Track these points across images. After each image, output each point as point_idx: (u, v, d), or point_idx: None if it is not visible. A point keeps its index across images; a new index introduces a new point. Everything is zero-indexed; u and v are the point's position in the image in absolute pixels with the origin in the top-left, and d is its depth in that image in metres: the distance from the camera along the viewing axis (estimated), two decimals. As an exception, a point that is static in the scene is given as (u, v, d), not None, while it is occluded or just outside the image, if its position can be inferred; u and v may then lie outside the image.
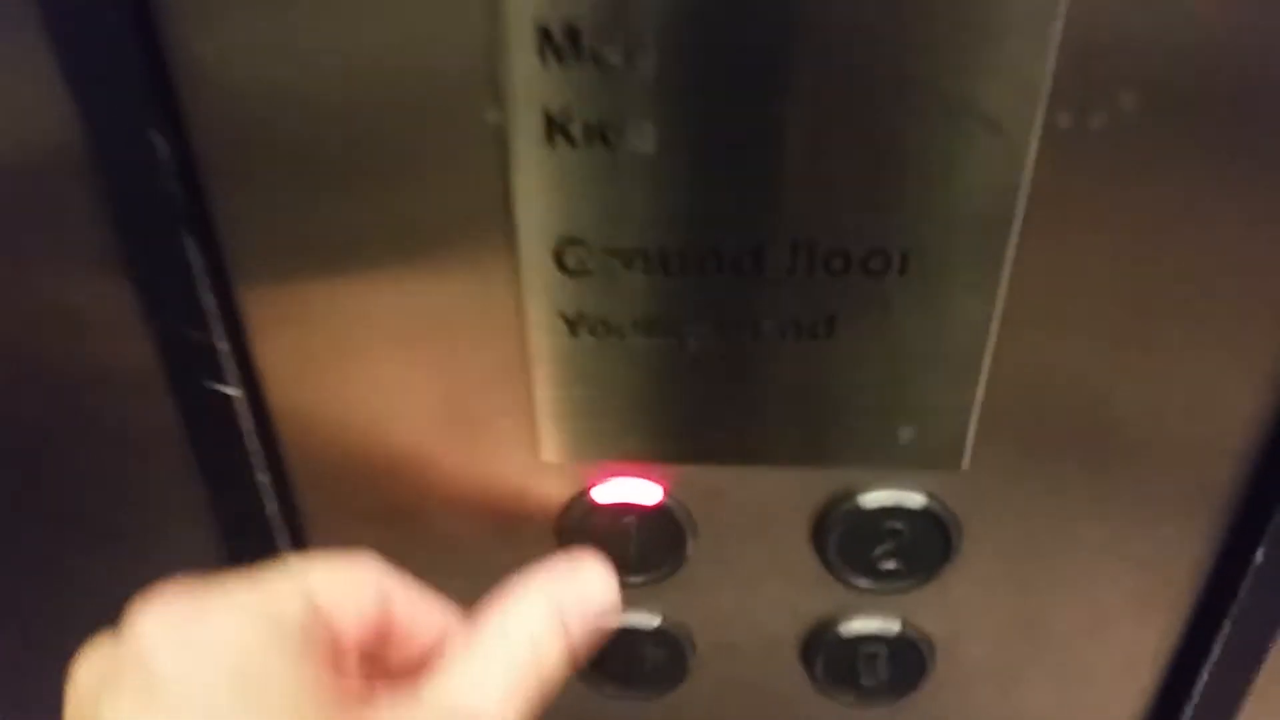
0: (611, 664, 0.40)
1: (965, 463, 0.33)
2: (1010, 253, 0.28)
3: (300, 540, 0.37)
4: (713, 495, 0.35)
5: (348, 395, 0.33)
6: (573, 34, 0.25)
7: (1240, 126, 0.27)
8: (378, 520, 0.36)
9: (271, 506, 0.35)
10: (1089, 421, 0.32)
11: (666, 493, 0.35)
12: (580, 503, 0.35)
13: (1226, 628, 0.36)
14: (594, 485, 0.35)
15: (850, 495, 0.34)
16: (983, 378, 0.31)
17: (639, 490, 0.35)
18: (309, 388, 0.33)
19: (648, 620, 0.39)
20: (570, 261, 0.29)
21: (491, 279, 0.30)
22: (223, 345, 0.31)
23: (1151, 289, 0.30)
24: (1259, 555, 0.33)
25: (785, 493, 0.35)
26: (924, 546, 0.35)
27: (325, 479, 0.35)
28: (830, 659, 0.39)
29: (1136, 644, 0.38)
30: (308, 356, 0.32)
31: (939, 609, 0.37)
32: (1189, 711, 0.38)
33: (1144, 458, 0.33)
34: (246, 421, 0.33)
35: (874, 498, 0.34)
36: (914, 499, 0.34)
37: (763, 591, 0.38)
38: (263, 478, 0.34)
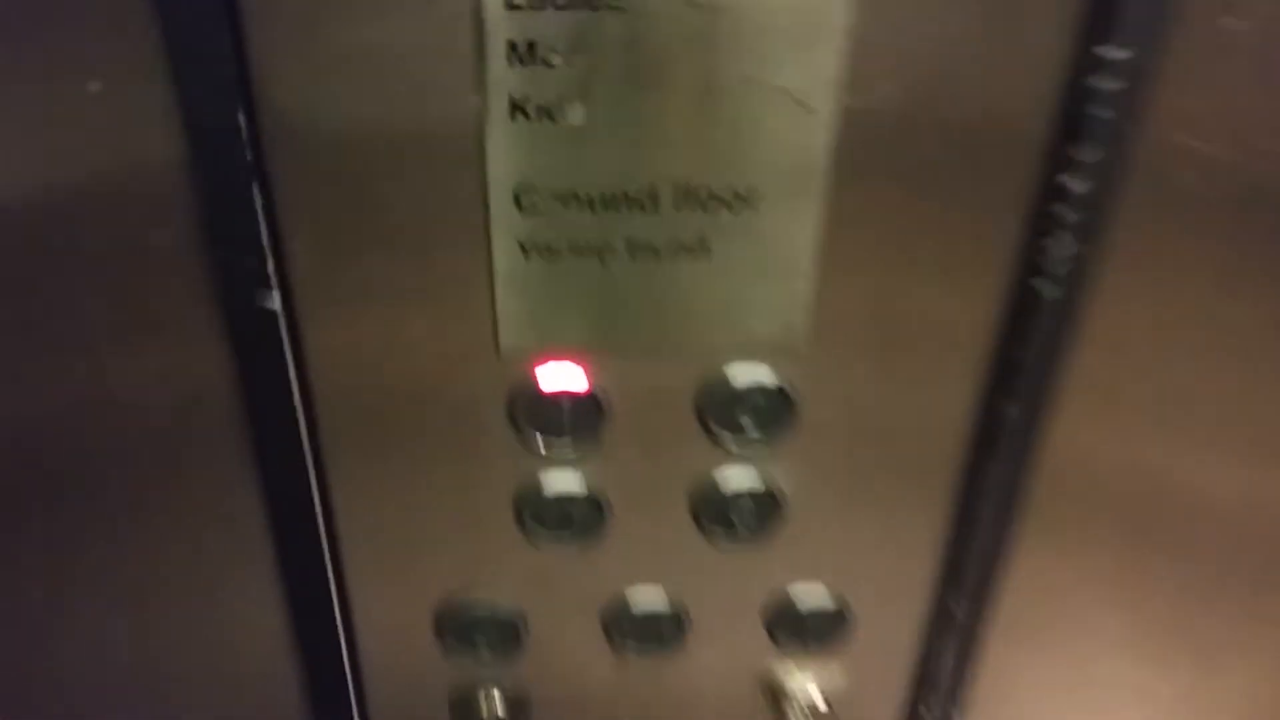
0: (547, 526, 0.53)
1: (803, 347, 0.47)
2: (823, 195, 0.42)
3: (315, 431, 0.49)
4: (625, 380, 0.48)
5: (360, 308, 0.45)
6: (531, 46, 0.38)
7: (969, 124, 0.41)
8: (378, 402, 0.48)
9: (299, 394, 0.47)
10: (884, 312, 0.46)
11: (592, 379, 0.48)
12: (527, 389, 0.48)
13: (991, 469, 0.50)
14: (538, 374, 0.48)
15: (723, 376, 0.48)
16: (811, 284, 0.45)
17: (572, 378, 0.48)
18: (332, 303, 0.45)
19: (576, 487, 0.51)
20: (525, 203, 0.42)
21: (468, 217, 0.43)
22: (270, 269, 0.43)
23: (914, 224, 0.44)
24: (1010, 409, 0.48)
25: (676, 376, 0.48)
26: (776, 415, 0.49)
27: (340, 374, 0.47)
28: (711, 511, 0.52)
29: (932, 479, 0.52)
30: (333, 281, 0.44)
31: (790, 466, 0.51)
32: (978, 535, 0.53)
33: (920, 337, 0.47)
34: (283, 330, 0.45)
35: (740, 378, 0.48)
36: (769, 377, 0.48)
37: (661, 459, 0.51)
38: (293, 375, 0.46)
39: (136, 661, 0.57)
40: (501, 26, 0.38)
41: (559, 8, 0.37)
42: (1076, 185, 0.41)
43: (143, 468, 0.51)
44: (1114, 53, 0.37)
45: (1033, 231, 0.43)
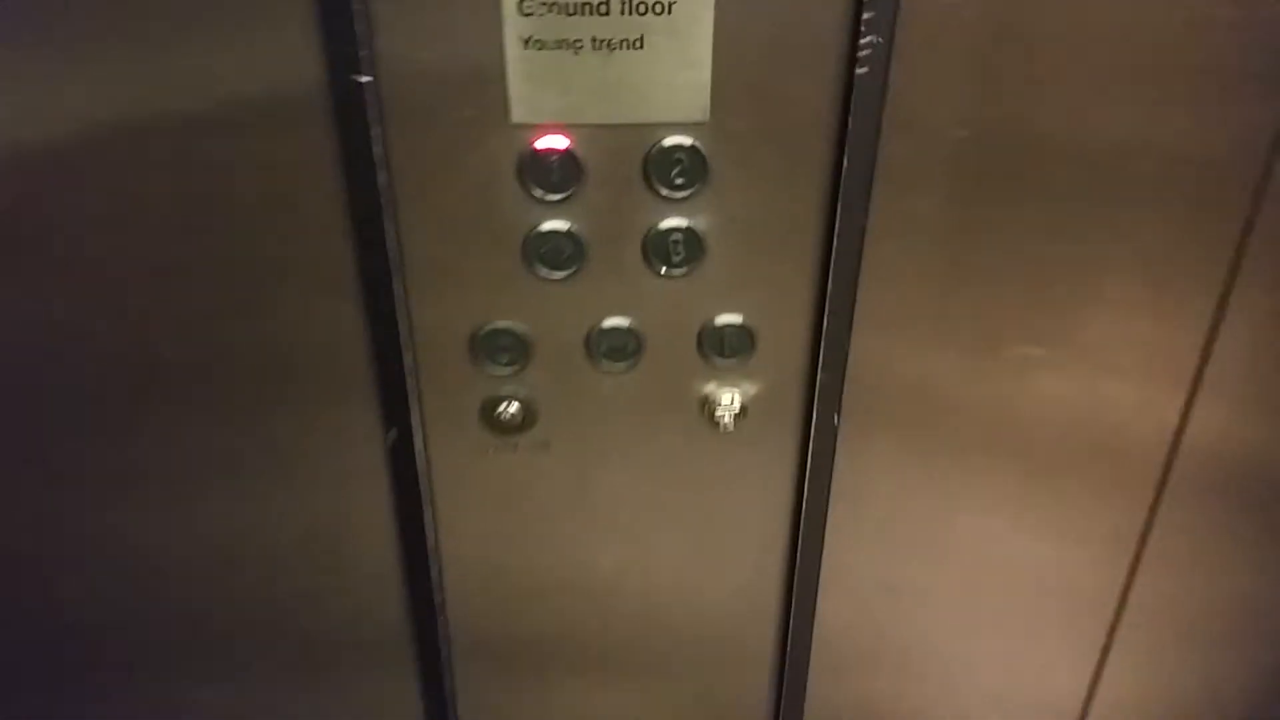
0: (545, 262, 0.77)
1: (707, 116, 0.71)
2: (713, 7, 0.67)
3: (390, 187, 0.74)
4: (595, 143, 0.72)
5: (422, 84, 0.70)
6: (527, -99, 0.63)
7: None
8: (434, 167, 0.73)
9: (379, 150, 0.72)
10: (757, 94, 0.70)
11: (572, 141, 0.72)
12: (527, 148, 0.73)
13: (843, 221, 0.74)
14: (537, 141, 0.72)
15: (660, 141, 0.72)
16: (710, 69, 0.69)
17: (557, 140, 0.72)
18: (409, 78, 0.70)
19: (563, 225, 0.76)
20: (524, 9, 0.67)
21: (493, 21, 0.68)
22: (365, 52, 0.68)
23: (774, 30, 0.68)
24: (848, 172, 0.72)
25: (628, 141, 0.72)
26: (696, 171, 0.73)
27: (411, 137, 0.72)
28: (655, 248, 0.77)
29: (802, 225, 0.76)
30: (408, 67, 0.69)
31: (707, 213, 0.75)
32: (838, 266, 0.76)
33: (785, 113, 0.71)
34: (373, 97, 0.70)
35: (669, 142, 0.72)
36: (688, 141, 0.72)
37: (622, 204, 0.74)
38: (375, 131, 0.71)
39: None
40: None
41: (543, -125, 0.62)
42: (871, -5, 0.65)
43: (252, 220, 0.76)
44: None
45: (851, 33, 0.67)
